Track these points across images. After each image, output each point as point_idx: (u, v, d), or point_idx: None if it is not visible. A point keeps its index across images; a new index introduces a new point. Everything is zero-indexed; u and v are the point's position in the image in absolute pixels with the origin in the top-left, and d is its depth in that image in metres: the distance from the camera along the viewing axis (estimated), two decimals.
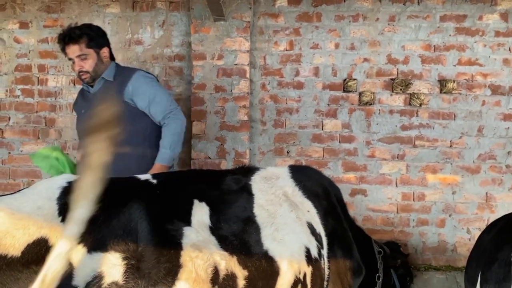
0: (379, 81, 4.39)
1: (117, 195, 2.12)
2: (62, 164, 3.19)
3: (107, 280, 1.88)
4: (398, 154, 4.37)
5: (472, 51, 4.35)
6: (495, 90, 4.34)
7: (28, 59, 4.53)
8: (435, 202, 4.34)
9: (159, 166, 3.19)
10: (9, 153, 4.52)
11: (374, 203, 4.38)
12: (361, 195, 4.38)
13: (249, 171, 2.61)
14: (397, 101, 4.38)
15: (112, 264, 1.90)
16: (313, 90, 4.41)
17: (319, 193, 2.65)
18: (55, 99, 4.52)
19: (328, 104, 4.41)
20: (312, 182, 2.69)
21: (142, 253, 1.95)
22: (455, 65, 4.36)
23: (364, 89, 4.39)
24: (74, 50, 3.30)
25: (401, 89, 4.37)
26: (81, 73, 3.34)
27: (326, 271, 2.46)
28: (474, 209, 4.32)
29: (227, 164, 4.27)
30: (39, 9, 4.51)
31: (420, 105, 4.36)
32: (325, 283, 2.47)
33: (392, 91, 4.38)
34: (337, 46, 4.41)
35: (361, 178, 4.39)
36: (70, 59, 3.36)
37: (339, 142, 4.40)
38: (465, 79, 4.36)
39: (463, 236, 4.33)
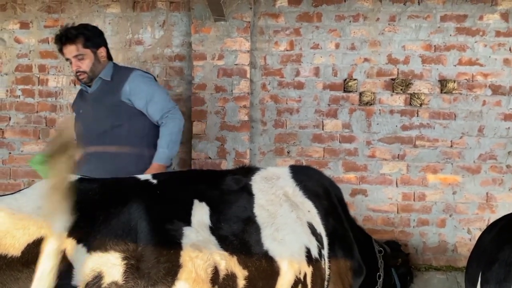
0: (380, 81, 4.39)
1: (117, 195, 2.12)
2: None
3: (106, 280, 1.88)
4: (398, 154, 4.37)
5: (472, 51, 4.35)
6: (496, 90, 4.34)
7: (29, 59, 4.53)
8: (436, 202, 4.34)
9: (156, 165, 3.18)
10: (10, 153, 4.52)
11: (375, 203, 4.37)
12: (362, 195, 4.38)
13: (249, 171, 2.61)
14: (398, 101, 4.38)
15: (112, 264, 1.90)
16: (313, 90, 4.41)
17: (319, 193, 2.65)
18: (55, 99, 4.52)
19: (329, 104, 4.41)
20: (313, 182, 2.68)
21: (142, 253, 1.95)
22: (455, 65, 4.36)
23: (365, 89, 4.39)
24: (71, 50, 3.29)
25: (401, 89, 4.37)
26: (78, 73, 3.33)
27: (327, 271, 2.46)
28: (475, 209, 4.32)
29: (227, 164, 4.27)
30: (40, 9, 4.51)
31: (421, 105, 4.36)
32: (326, 283, 2.46)
33: (393, 91, 4.38)
34: (337, 46, 4.41)
35: (361, 178, 4.38)
36: (67, 59, 3.36)
37: (339, 142, 4.40)
38: (466, 79, 4.36)
39: (463, 236, 4.32)
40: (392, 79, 4.38)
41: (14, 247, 1.84)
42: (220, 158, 4.29)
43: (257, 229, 2.26)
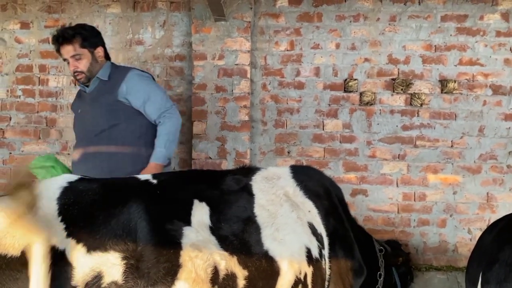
0: (380, 81, 4.39)
1: (117, 195, 2.12)
2: (58, 172, 3.19)
3: (106, 279, 1.89)
4: (399, 154, 4.37)
5: (473, 51, 4.35)
6: (496, 90, 4.34)
7: (29, 59, 4.53)
8: (436, 202, 4.33)
9: (154, 165, 3.17)
10: (10, 153, 4.52)
11: (375, 203, 4.37)
12: (362, 195, 4.37)
13: (250, 171, 2.61)
14: (398, 101, 4.38)
15: (112, 264, 1.91)
16: (314, 90, 4.41)
17: (320, 193, 2.65)
18: (56, 99, 4.52)
19: (329, 104, 4.41)
20: (313, 182, 2.68)
21: (141, 253, 1.95)
22: (456, 65, 4.35)
23: (365, 89, 4.38)
24: (68, 50, 3.28)
25: (402, 89, 4.36)
26: (76, 73, 3.32)
27: (327, 271, 2.46)
28: (475, 209, 4.32)
29: (227, 164, 4.26)
30: (40, 9, 4.51)
31: (421, 105, 4.35)
32: (326, 283, 2.46)
33: (393, 91, 4.38)
34: (338, 46, 4.41)
35: (362, 178, 4.38)
36: (65, 59, 3.35)
37: (340, 142, 4.40)
38: (466, 79, 4.35)
39: (464, 236, 4.32)
40: (393, 79, 4.38)
41: (14, 247, 1.84)
42: (220, 158, 4.29)
43: (257, 229, 2.26)
